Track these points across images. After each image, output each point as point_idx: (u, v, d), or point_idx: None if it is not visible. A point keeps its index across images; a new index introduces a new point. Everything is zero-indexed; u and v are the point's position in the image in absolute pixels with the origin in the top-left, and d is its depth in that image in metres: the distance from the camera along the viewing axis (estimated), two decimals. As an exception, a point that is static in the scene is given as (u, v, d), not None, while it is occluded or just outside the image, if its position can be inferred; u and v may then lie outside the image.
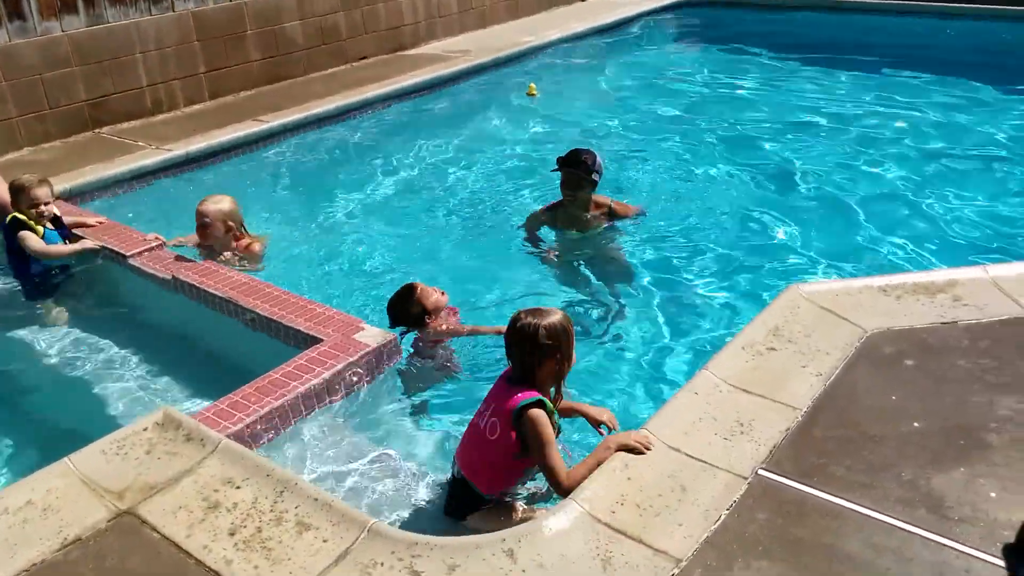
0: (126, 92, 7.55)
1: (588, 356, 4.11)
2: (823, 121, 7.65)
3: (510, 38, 10.42)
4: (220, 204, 4.97)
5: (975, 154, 6.67)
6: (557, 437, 2.96)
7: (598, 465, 2.80)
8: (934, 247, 5.16)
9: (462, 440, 3.12)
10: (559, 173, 5.01)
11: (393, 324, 4.01)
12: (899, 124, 7.45)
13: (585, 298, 4.80)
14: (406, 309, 3.98)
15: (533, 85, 8.83)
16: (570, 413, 3.24)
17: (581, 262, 5.06)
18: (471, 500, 3.02)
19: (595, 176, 4.97)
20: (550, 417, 2.91)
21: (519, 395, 2.90)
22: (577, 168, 4.93)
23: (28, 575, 2.47)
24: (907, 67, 9.15)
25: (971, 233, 5.33)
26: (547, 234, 5.29)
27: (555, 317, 2.97)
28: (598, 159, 5.00)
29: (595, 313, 4.65)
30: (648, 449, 2.84)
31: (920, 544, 2.47)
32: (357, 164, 7.10)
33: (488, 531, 2.65)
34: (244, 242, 5.08)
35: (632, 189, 6.21)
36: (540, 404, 2.90)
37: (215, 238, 4.98)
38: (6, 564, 2.49)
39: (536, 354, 2.93)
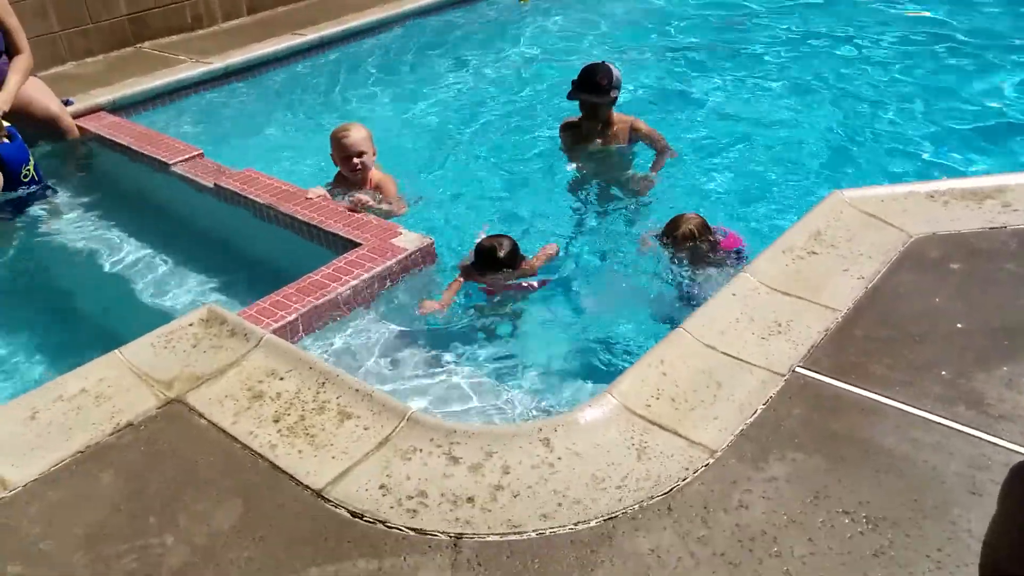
0: (166, 7, 7.47)
1: (614, 270, 4.14)
2: (859, 28, 7.35)
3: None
4: (362, 129, 4.27)
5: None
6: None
7: None
8: (983, 153, 4.99)
9: None
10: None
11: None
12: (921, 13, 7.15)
13: (602, 211, 4.63)
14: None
15: None
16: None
17: (600, 177, 4.81)
18: None
19: (614, 94, 4.63)
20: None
21: None
22: (595, 94, 4.60)
23: (83, 456, 2.58)
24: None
25: (1021, 137, 5.13)
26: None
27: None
28: (614, 73, 4.60)
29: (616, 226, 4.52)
30: None
31: (959, 439, 2.46)
32: (394, 78, 7.02)
33: None
34: (374, 175, 4.45)
35: (662, 103, 6.07)
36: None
37: (367, 168, 4.35)
38: (63, 445, 2.61)
39: None
